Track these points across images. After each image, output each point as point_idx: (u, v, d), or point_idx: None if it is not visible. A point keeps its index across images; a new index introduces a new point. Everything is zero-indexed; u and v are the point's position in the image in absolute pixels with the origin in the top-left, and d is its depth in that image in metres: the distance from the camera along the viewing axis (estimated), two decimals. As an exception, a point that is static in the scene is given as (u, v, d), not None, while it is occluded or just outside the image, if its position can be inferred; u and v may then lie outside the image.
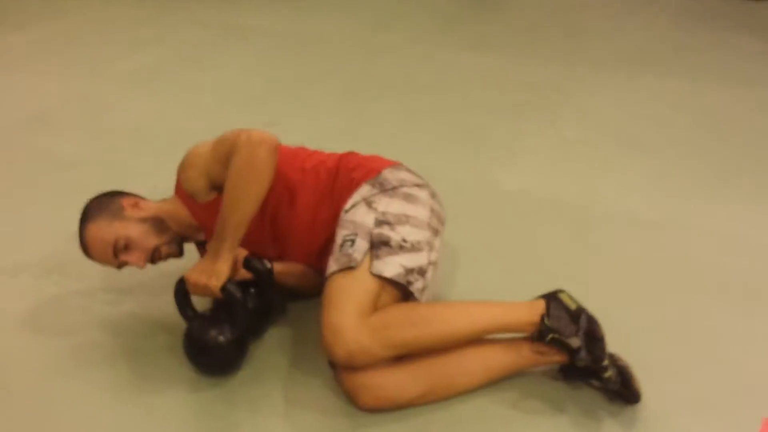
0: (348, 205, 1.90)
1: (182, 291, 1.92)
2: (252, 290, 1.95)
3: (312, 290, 2.10)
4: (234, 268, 1.90)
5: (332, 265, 1.78)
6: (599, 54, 3.63)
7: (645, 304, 2.06)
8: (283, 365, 1.95)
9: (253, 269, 1.93)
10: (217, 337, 1.87)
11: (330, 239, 1.96)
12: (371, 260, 1.75)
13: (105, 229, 1.95)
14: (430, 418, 1.76)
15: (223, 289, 1.84)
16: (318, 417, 1.79)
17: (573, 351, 1.71)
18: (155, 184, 2.69)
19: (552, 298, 1.79)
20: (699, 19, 3.93)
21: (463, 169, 2.72)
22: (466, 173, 2.69)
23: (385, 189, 1.92)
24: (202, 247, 2.13)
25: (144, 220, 1.98)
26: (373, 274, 1.73)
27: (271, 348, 2.01)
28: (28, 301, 2.25)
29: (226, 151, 1.85)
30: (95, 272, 2.34)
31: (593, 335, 1.70)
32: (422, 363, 1.75)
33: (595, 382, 1.75)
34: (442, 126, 3.05)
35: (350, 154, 2.08)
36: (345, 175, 1.98)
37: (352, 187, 1.95)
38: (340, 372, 1.77)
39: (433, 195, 2.00)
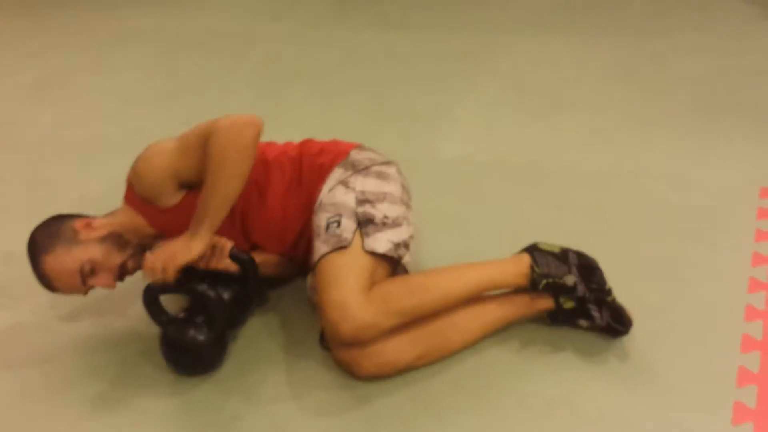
0: (325, 190, 1.89)
1: (152, 296, 1.84)
2: (230, 282, 1.90)
3: (288, 277, 2.10)
4: (218, 258, 1.85)
5: (321, 247, 1.76)
6: (500, 21, 3.72)
7: (607, 247, 2.13)
8: (272, 351, 1.92)
9: (239, 260, 1.88)
10: (196, 337, 1.82)
11: (304, 227, 1.95)
12: (362, 238, 1.76)
13: (65, 258, 1.83)
14: (431, 381, 1.77)
15: (195, 290, 1.81)
16: (320, 396, 1.77)
17: (569, 289, 1.76)
18: (81, 195, 2.58)
19: (532, 250, 1.84)
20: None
21: (400, 144, 2.73)
22: (403, 147, 2.69)
23: (358, 169, 1.92)
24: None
25: (102, 239, 1.87)
26: (366, 251, 1.74)
27: (255, 336, 1.97)
28: (-23, 328, 2.12)
29: (198, 140, 1.78)
30: (42, 291, 2.21)
31: (588, 266, 1.77)
32: (418, 325, 1.76)
33: (583, 322, 1.82)
34: (365, 104, 3.05)
35: (309, 141, 2.06)
36: (310, 162, 1.97)
37: (322, 172, 1.94)
38: (337, 346, 1.76)
39: (399, 171, 2.01)
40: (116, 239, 1.88)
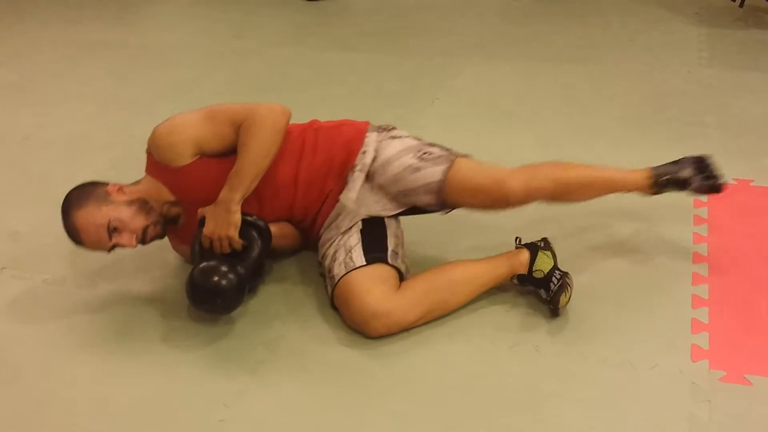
0: (362, 151, 2.18)
1: (201, 244, 2.07)
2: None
3: (289, 250, 2.32)
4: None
5: (435, 172, 2.15)
6: (447, 46, 4.04)
7: (565, 232, 2.41)
8: (284, 313, 2.15)
9: (254, 225, 2.09)
10: (227, 274, 1.99)
11: (318, 193, 2.17)
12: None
13: (96, 214, 2.04)
14: (431, 332, 2.04)
15: (247, 221, 2.06)
16: (336, 341, 2.03)
17: (684, 181, 2.25)
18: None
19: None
20: (519, 15, 4.49)
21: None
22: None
23: (388, 129, 2.29)
24: (171, 226, 2.22)
25: (130, 202, 2.08)
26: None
27: (265, 301, 2.19)
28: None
29: (229, 118, 2.08)
30: (52, 261, 2.39)
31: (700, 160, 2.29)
32: (420, 290, 2.05)
33: (542, 293, 2.10)
34: (338, 112, 3.26)
35: (317, 121, 2.30)
36: (329, 134, 2.22)
37: (350, 141, 2.20)
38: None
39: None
40: (142, 204, 2.09)
